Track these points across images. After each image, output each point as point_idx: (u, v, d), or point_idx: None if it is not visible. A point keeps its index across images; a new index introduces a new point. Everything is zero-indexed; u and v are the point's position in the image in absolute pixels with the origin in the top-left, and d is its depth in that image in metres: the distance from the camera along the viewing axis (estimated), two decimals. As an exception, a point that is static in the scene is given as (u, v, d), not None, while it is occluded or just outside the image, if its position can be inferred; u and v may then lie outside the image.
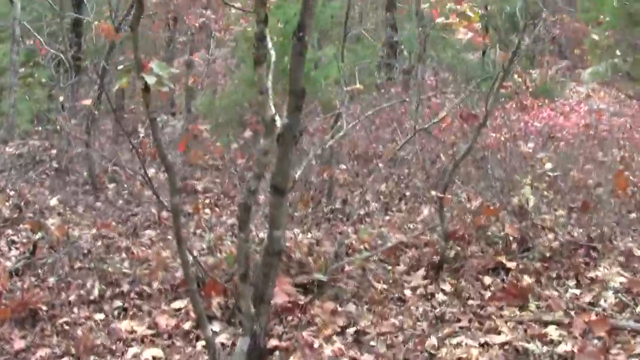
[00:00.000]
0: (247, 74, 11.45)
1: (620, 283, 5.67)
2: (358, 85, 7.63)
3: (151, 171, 9.37)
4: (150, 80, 4.16)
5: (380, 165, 9.40)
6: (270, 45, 4.37)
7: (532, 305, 5.39)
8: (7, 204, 8.70)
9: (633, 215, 7.40)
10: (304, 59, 4.15)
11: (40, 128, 11.78)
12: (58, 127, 10.63)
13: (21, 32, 12.79)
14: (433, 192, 6.94)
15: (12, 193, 9.18)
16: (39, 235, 7.08)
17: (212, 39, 12.94)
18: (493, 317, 5.21)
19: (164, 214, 7.89)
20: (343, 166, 9.93)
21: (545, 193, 7.20)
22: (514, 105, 13.18)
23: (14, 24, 12.49)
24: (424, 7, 12.00)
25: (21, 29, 12.77)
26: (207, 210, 8.55)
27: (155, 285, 5.86)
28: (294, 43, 4.08)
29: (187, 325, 5.21)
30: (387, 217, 8.25)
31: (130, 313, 5.47)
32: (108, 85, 10.17)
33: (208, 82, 13.04)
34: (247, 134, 9.83)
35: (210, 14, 11.99)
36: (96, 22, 11.59)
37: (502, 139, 8.89)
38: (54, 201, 8.75)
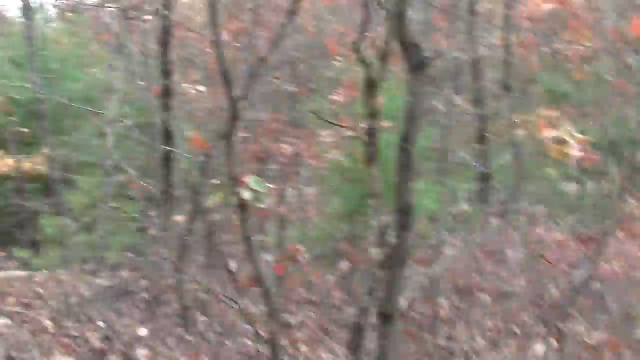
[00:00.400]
0: (340, 205, 11.25)
1: None
2: (464, 208, 7.35)
3: (245, 302, 9.09)
4: (246, 195, 3.89)
5: (485, 298, 8.92)
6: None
7: None
8: (96, 334, 8.50)
9: None
10: (410, 172, 3.86)
11: (130, 260, 11.65)
12: (148, 259, 10.48)
13: (113, 165, 12.94)
14: (547, 327, 6.44)
15: (101, 324, 8.99)
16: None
17: (303, 168, 12.81)
18: None
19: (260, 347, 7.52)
20: (444, 299, 9.42)
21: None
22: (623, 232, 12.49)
23: (106, 156, 12.65)
24: (517, 135, 11.73)
25: (113, 162, 12.93)
26: (303, 345, 8.14)
27: None
28: (399, 156, 3.79)
29: None
30: (496, 355, 7.71)
31: None
32: (201, 210, 9.99)
33: (299, 213, 12.81)
34: (344, 265, 9.54)
35: (300, 143, 11.90)
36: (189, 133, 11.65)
37: (616, 267, 8.38)
38: (143, 332, 8.48)
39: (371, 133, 4.14)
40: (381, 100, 5.38)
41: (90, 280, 11.25)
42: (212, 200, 4.81)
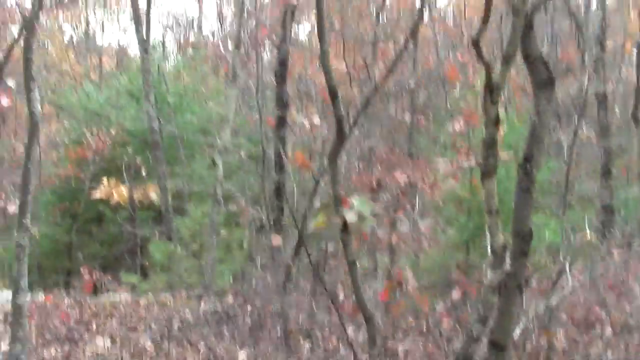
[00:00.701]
0: (454, 236, 10.74)
1: None
2: (586, 240, 6.73)
3: (349, 330, 8.61)
4: (350, 217, 3.51)
5: (606, 331, 8.16)
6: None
7: None
8: (195, 357, 8.18)
9: None
10: (532, 196, 3.39)
11: (236, 286, 11.40)
12: (254, 285, 10.17)
13: (223, 194, 12.78)
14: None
15: (202, 347, 8.68)
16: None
17: (417, 198, 12.31)
18: None
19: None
20: (561, 331, 8.68)
21: None
22: None
23: (216, 186, 12.51)
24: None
25: (223, 191, 12.77)
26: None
27: None
28: (520, 177, 3.32)
29: None
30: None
31: None
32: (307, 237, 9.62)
33: (412, 242, 12.27)
34: (455, 295, 8.94)
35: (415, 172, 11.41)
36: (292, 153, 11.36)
37: None
38: (241, 355, 8.10)
39: (490, 143, 3.65)
40: (501, 131, 4.95)
41: (195, 305, 11.01)
42: (314, 222, 4.43)
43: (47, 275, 17.49)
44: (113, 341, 9.17)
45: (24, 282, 7.89)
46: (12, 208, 10.91)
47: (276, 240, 9.84)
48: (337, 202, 3.43)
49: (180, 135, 17.86)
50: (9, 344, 7.78)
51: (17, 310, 7.82)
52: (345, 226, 3.54)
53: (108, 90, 21.73)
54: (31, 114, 8.06)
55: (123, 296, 12.02)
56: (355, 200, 3.72)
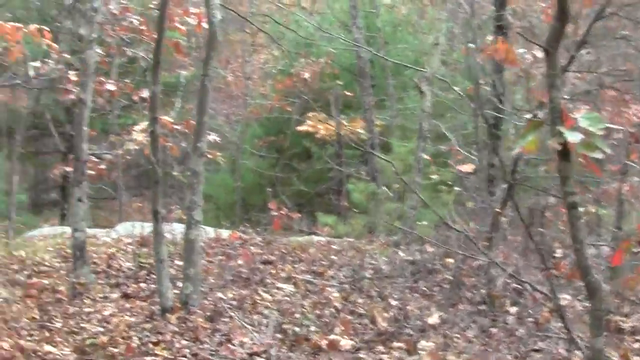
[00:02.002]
0: None
1: None
2: None
3: (565, 297, 7.14)
4: (574, 137, 2.25)
5: None
6: None
7: None
8: (385, 315, 7.09)
9: None
10: None
11: (439, 234, 10.10)
12: (459, 235, 8.82)
13: (430, 129, 11.47)
14: None
15: (394, 303, 7.57)
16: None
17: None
18: None
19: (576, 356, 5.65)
20: None
21: None
22: None
23: (422, 119, 11.21)
24: None
25: (430, 125, 11.45)
26: (634, 357, 6.02)
27: None
28: None
29: None
30: None
31: None
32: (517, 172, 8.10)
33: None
34: None
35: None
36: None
37: None
38: (434, 319, 6.91)
39: None
40: None
41: (391, 253, 9.90)
42: (519, 143, 3.12)
43: (250, 211, 17.12)
44: (297, 287, 8.29)
45: (198, 214, 7.13)
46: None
47: (467, 167, 8.47)
48: (555, 117, 2.15)
49: (391, 68, 16.70)
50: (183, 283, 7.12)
51: (189, 245, 7.10)
52: (565, 152, 2.28)
53: (319, 18, 20.84)
54: (210, 23, 7.21)
55: (315, 238, 11.16)
56: (581, 115, 2.45)
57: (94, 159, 10.68)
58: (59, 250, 9.82)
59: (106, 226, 13.38)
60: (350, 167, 15.71)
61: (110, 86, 10.15)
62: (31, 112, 18.66)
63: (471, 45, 10.47)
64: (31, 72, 10.60)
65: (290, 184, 17.46)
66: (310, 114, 16.91)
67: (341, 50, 18.39)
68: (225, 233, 10.83)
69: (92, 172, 10.37)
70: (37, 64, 9.59)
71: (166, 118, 9.56)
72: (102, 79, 10.35)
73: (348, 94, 16.87)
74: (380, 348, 6.33)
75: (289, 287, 8.17)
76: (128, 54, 10.78)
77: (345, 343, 6.31)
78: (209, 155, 9.29)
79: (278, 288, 8.12)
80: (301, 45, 19.43)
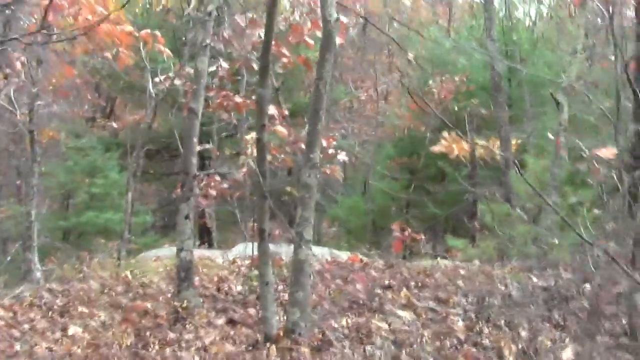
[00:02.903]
0: None
1: None
2: None
3: None
4: None
5: None
6: None
7: None
8: (513, 347, 6.40)
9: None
10: None
11: (574, 258, 9.24)
12: (596, 258, 7.98)
13: (566, 143, 10.63)
14: None
15: (523, 334, 6.85)
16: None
17: None
18: None
19: None
20: None
21: None
22: None
23: (558, 131, 10.38)
24: None
25: (567, 142, 10.62)
26: None
27: None
28: None
29: None
30: None
31: None
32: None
33: None
34: None
35: None
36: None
37: None
38: (567, 353, 6.15)
39: None
40: None
41: (523, 278, 9.11)
42: None
43: (380, 233, 16.60)
44: (417, 314, 7.67)
45: (308, 232, 6.54)
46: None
47: (607, 152, 7.65)
48: None
49: (528, 82, 15.87)
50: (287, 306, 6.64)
51: (297, 266, 6.51)
52: None
53: (455, 36, 20.26)
54: (325, 22, 6.65)
55: (442, 262, 10.48)
56: None
57: (217, 178, 10.48)
58: (169, 272, 9.62)
59: (229, 247, 13.17)
60: (484, 188, 14.92)
61: (237, 99, 9.86)
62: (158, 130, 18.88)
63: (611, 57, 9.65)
64: (152, 89, 10.57)
65: (422, 207, 16.85)
66: (444, 134, 16.29)
67: (476, 69, 17.74)
68: (344, 255, 10.33)
69: (213, 192, 10.17)
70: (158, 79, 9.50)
71: (280, 129, 9.10)
72: (229, 92, 10.10)
73: (483, 111, 16.21)
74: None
75: (408, 315, 7.56)
76: (254, 67, 10.53)
77: (467, 379, 5.70)
78: (327, 171, 8.84)
79: (397, 316, 7.52)
80: (436, 64, 18.92)
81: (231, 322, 7.34)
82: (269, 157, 7.09)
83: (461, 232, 14.13)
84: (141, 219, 19.62)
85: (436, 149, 16.42)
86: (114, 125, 22.70)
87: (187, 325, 7.13)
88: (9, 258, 15.09)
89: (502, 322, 7.42)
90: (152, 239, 20.28)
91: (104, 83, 24.30)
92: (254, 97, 10.95)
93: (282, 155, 8.72)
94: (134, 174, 18.17)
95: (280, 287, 8.29)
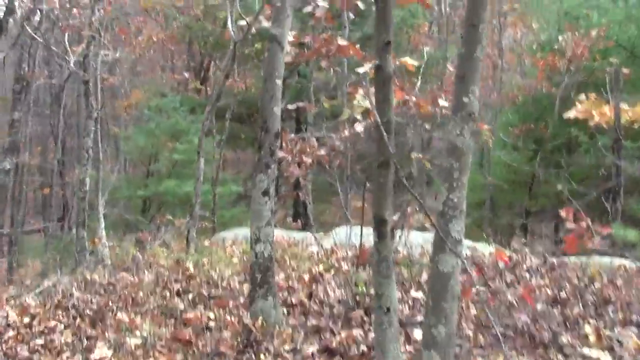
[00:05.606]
0: None
1: None
2: None
3: None
4: None
5: None
6: None
7: None
8: None
9: None
10: None
11: None
12: None
13: None
14: None
15: None
16: None
17: None
18: None
19: None
20: None
21: None
22: None
23: None
24: None
25: None
26: None
27: None
28: None
29: None
30: None
31: None
32: None
33: None
34: None
35: None
36: None
37: None
38: None
39: None
40: None
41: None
42: None
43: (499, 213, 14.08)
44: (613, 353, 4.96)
45: (458, 223, 4.02)
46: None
47: None
48: None
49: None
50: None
51: (438, 281, 3.97)
52: None
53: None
54: None
55: (617, 261, 7.69)
56: None
57: (314, 142, 8.11)
58: (247, 263, 7.03)
59: (327, 229, 10.70)
60: (633, 161, 12.27)
61: (341, 41, 7.52)
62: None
63: None
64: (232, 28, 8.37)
65: (552, 183, 14.22)
66: (580, 98, 13.61)
67: (614, 24, 15.00)
68: (481, 248, 7.67)
69: (308, 160, 7.86)
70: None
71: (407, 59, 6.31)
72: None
73: (625, 71, 13.50)
74: None
75: (601, 355, 4.83)
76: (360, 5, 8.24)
77: None
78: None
79: (584, 357, 4.84)
80: (566, 16, 16.30)
81: (327, 351, 4.82)
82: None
83: (608, 215, 11.34)
84: (226, 189, 17.54)
85: (571, 114, 13.73)
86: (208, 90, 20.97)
87: (261, 355, 4.73)
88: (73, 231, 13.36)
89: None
90: (241, 210, 18.24)
91: (195, 44, 22.59)
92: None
93: (414, 98, 5.91)
94: (219, 142, 16.10)
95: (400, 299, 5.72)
